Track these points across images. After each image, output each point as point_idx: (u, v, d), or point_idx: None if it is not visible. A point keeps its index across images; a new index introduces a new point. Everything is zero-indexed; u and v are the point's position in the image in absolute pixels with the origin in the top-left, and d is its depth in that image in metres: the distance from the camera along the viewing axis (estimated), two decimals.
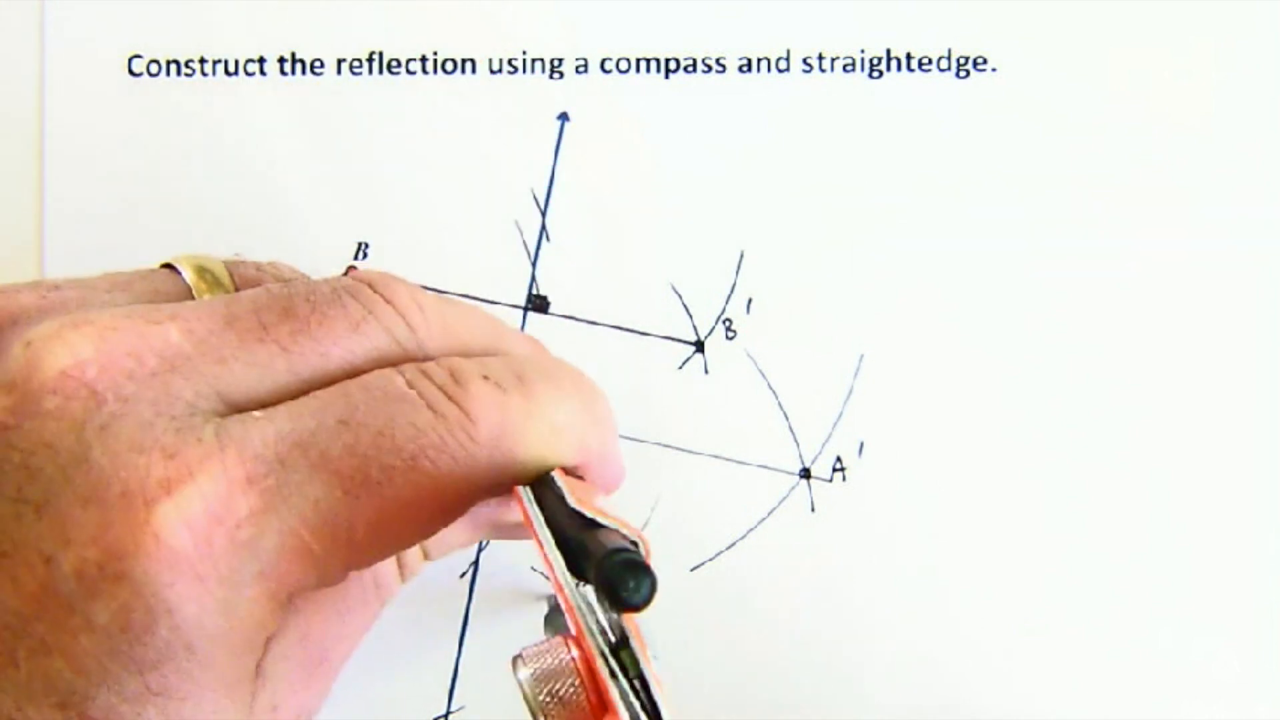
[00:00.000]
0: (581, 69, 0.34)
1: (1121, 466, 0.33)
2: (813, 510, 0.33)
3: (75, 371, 0.22)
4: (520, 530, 0.28)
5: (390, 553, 0.24)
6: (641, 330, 0.34)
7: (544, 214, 0.34)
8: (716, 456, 0.33)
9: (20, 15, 0.34)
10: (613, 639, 0.21)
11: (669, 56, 0.34)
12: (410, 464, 0.22)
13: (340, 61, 0.34)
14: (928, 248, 0.33)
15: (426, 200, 0.34)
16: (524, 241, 0.34)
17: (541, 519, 0.22)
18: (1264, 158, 0.33)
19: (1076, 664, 0.33)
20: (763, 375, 0.33)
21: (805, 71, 0.34)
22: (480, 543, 0.33)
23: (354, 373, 0.24)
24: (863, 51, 0.34)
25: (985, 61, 0.34)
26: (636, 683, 0.20)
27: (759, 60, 0.34)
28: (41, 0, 0.34)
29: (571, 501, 0.22)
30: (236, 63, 0.34)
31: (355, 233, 0.34)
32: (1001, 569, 0.33)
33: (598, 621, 0.21)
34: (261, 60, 0.34)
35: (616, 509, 0.22)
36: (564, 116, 0.34)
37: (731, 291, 0.33)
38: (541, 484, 0.23)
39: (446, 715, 0.33)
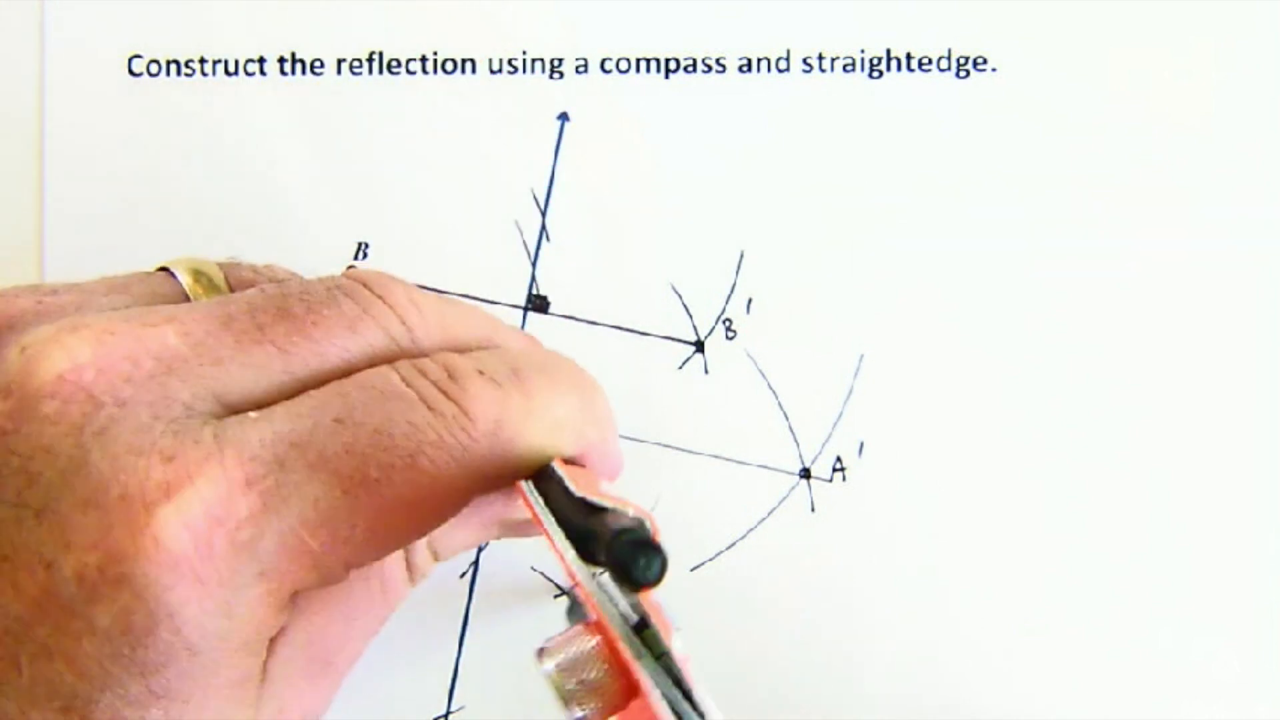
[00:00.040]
0: (581, 69, 0.34)
1: (1121, 467, 0.33)
2: (813, 510, 0.33)
3: (73, 375, 0.22)
4: (528, 527, 0.28)
5: (391, 549, 0.24)
6: (641, 330, 0.33)
7: (544, 214, 0.34)
8: (716, 456, 0.33)
9: (20, 15, 0.34)
10: (634, 621, 0.21)
11: (669, 56, 0.34)
12: (408, 462, 0.22)
13: (340, 61, 0.34)
14: (928, 248, 0.33)
15: (426, 200, 0.34)
16: (524, 241, 0.34)
17: (547, 511, 0.22)
18: (1264, 158, 0.33)
19: (1076, 664, 0.33)
20: (763, 375, 0.33)
21: (805, 71, 0.34)
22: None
23: (350, 372, 0.23)
24: (863, 51, 0.34)
25: (985, 61, 0.33)
26: (662, 661, 0.20)
27: (759, 60, 0.34)
28: (41, 0, 0.34)
29: (574, 489, 0.22)
30: (236, 63, 0.34)
31: (355, 233, 0.34)
32: (1001, 569, 0.33)
33: (616, 605, 0.21)
34: (261, 60, 0.34)
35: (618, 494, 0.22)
36: (564, 116, 0.34)
37: (731, 291, 0.33)
38: (542, 476, 0.23)
39: (446, 715, 0.33)
